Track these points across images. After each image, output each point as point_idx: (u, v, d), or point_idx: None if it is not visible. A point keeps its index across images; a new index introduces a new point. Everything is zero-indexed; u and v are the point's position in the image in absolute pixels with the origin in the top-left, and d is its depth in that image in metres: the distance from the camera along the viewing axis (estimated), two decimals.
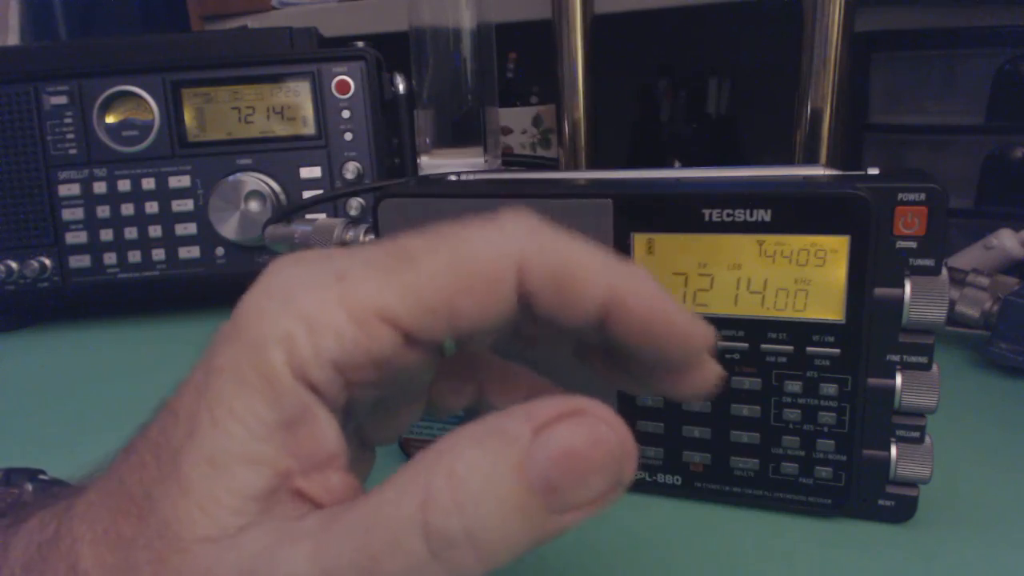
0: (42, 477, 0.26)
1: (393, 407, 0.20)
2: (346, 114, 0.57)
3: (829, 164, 0.29)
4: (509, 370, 0.21)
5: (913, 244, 0.25)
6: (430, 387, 0.21)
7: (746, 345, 0.27)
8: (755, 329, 0.27)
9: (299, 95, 0.57)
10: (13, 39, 0.84)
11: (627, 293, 0.17)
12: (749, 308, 0.27)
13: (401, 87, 0.60)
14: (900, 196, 0.25)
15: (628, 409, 0.30)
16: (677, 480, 0.30)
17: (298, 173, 0.57)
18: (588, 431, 0.14)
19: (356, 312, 0.15)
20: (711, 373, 0.19)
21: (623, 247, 0.28)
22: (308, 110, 0.57)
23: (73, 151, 0.56)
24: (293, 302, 0.16)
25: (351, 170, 0.57)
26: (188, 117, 0.57)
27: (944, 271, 0.25)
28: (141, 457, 0.16)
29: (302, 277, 0.16)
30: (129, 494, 0.16)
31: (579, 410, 0.14)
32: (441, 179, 0.34)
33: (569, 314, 0.17)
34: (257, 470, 0.15)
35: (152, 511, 0.15)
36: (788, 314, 0.27)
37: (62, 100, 0.56)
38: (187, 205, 0.57)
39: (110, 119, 0.57)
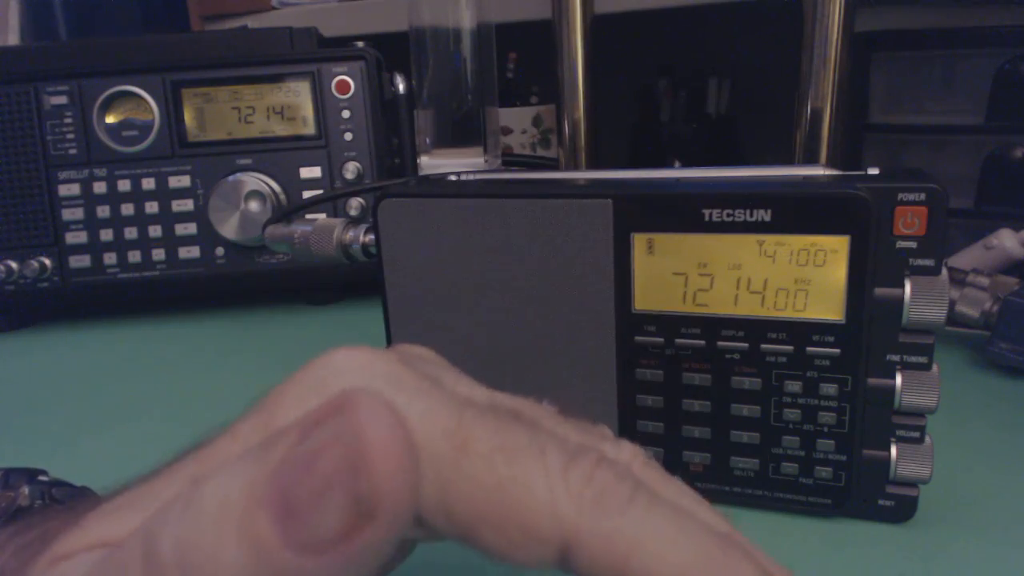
0: (42, 479, 0.26)
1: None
2: (346, 114, 0.57)
3: (829, 164, 0.29)
4: None
5: (913, 244, 0.25)
6: None
7: (746, 345, 0.27)
8: (755, 329, 0.27)
9: (299, 95, 0.57)
10: (13, 39, 0.84)
11: None
12: (749, 308, 0.27)
13: (401, 87, 0.60)
14: (900, 196, 0.25)
15: (628, 408, 0.30)
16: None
17: (298, 173, 0.57)
18: (333, 431, 0.11)
19: None
20: None
21: (623, 247, 0.28)
22: (308, 110, 0.57)
23: (73, 151, 0.56)
24: None
25: (351, 170, 0.57)
26: (188, 117, 0.57)
27: (944, 271, 0.25)
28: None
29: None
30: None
31: (344, 404, 0.11)
32: (441, 179, 0.34)
33: None
34: None
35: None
36: (788, 314, 0.27)
37: (62, 100, 0.56)
38: (187, 205, 0.57)
39: (110, 119, 0.57)
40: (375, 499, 0.10)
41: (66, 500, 0.25)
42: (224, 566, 0.10)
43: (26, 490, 0.25)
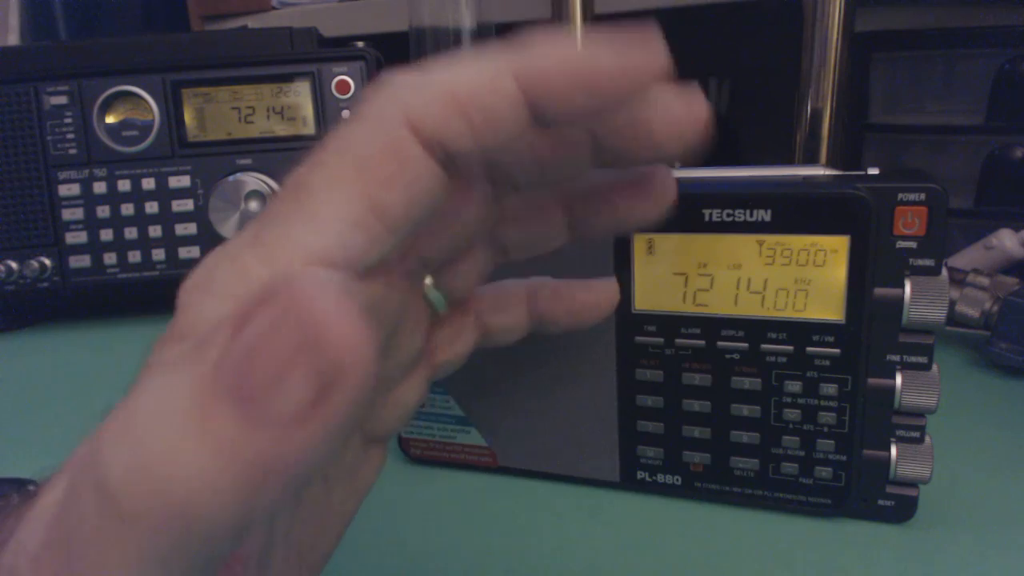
0: (31, 488, 0.26)
1: (390, 384, 0.19)
2: (346, 114, 0.57)
3: (829, 164, 0.29)
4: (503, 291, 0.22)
5: (913, 244, 0.25)
6: (426, 347, 0.20)
7: (746, 345, 0.27)
8: (755, 329, 0.27)
9: (299, 95, 0.57)
10: (13, 39, 0.84)
11: None
12: (749, 308, 0.27)
13: None
14: (900, 196, 0.25)
15: (628, 408, 0.30)
16: (677, 480, 0.30)
17: None
18: (273, 314, 0.10)
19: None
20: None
21: (623, 247, 0.28)
22: (308, 110, 0.57)
23: (73, 151, 0.56)
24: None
25: None
26: (188, 117, 0.57)
27: (944, 271, 0.25)
28: None
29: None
30: None
31: (273, 291, 0.11)
32: None
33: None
34: None
35: None
36: (788, 314, 0.27)
37: (62, 100, 0.56)
38: (187, 205, 0.57)
39: (110, 119, 0.57)
40: (341, 373, 0.10)
41: None
42: (191, 463, 0.10)
43: (15, 500, 0.24)
